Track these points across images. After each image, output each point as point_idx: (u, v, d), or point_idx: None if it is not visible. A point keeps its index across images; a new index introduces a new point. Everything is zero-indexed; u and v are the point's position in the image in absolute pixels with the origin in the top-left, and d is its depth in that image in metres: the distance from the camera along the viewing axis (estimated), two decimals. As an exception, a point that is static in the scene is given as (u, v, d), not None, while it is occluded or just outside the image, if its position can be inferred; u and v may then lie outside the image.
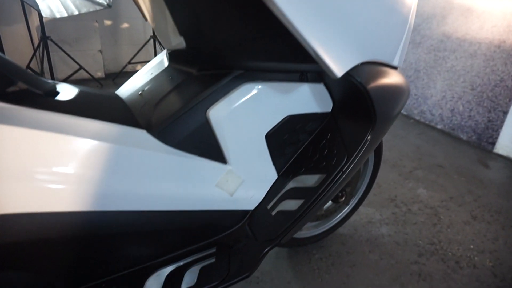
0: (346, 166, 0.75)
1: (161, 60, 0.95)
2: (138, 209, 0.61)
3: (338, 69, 0.61)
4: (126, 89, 0.86)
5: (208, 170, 0.68)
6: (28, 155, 0.51)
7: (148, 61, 3.42)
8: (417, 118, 2.73)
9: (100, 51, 3.16)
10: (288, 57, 0.70)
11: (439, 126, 2.55)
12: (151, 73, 0.90)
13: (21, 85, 0.57)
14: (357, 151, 0.74)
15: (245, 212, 0.76)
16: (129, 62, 3.24)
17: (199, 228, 0.70)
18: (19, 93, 0.56)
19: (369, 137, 0.73)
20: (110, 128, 0.60)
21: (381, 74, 0.75)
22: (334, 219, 1.22)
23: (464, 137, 2.37)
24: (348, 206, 1.23)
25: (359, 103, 0.73)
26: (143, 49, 3.27)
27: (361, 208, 1.48)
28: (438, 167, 1.94)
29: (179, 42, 0.82)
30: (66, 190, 0.54)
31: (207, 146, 0.67)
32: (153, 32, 3.22)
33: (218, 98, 0.67)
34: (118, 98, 0.78)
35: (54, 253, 0.56)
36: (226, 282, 0.69)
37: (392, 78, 0.78)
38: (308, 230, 1.17)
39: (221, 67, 0.71)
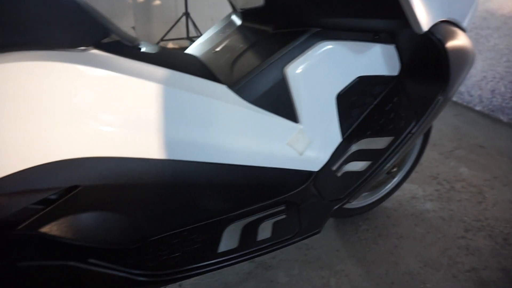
0: (415, 128, 0.75)
1: (230, 21, 0.96)
2: (216, 161, 0.63)
3: (424, 23, 0.61)
4: (198, 49, 0.88)
5: (281, 128, 0.69)
6: (121, 101, 0.53)
7: (180, 39, 3.40)
8: (454, 99, 2.65)
9: (133, 27, 3.20)
10: (365, 13, 0.70)
11: (477, 108, 2.47)
12: (222, 33, 0.91)
13: (114, 37, 0.59)
14: (426, 113, 0.74)
15: (310, 173, 0.78)
16: (162, 39, 3.26)
17: (269, 185, 0.72)
18: (113, 44, 0.58)
19: (440, 98, 0.73)
20: (195, 80, 0.62)
21: (457, 35, 0.73)
22: (381, 192, 1.22)
23: (504, 119, 2.30)
24: (394, 180, 1.23)
25: (433, 63, 0.72)
26: (175, 26, 3.28)
27: (404, 185, 1.47)
28: (479, 147, 1.89)
29: (257, 0, 0.83)
30: (154, 137, 0.56)
31: (282, 104, 0.69)
32: (186, 9, 3.21)
33: (295, 55, 0.68)
34: (193, 55, 0.79)
35: (143, 198, 0.59)
36: (298, 237, 0.71)
37: (465, 40, 0.76)
38: (356, 201, 1.18)
39: (298, 25, 0.71)
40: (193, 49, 0.90)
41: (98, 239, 0.57)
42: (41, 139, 0.48)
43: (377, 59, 0.76)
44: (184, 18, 3.35)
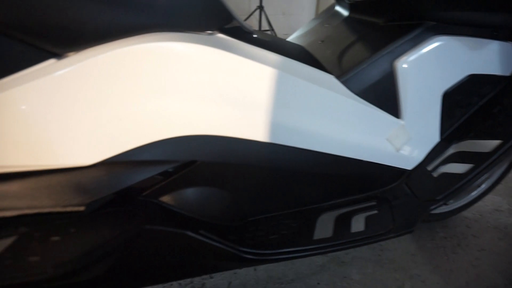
0: None
1: (335, 12, 0.96)
2: (317, 149, 0.64)
3: None
4: (302, 39, 0.88)
5: (383, 122, 0.68)
6: (240, 84, 0.55)
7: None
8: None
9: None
10: (486, 7, 0.66)
11: None
12: (327, 24, 0.92)
13: (235, 23, 0.62)
14: None
15: (402, 171, 0.76)
16: (231, 31, 3.34)
17: (362, 179, 0.72)
18: (234, 29, 0.61)
19: None
20: (305, 68, 0.63)
21: None
22: (464, 200, 1.15)
23: None
24: (480, 188, 1.16)
25: None
26: (248, 20, 3.34)
27: (487, 196, 1.37)
28: None
29: None
30: (264, 120, 0.58)
31: (386, 98, 0.67)
32: (260, 2, 3.25)
33: (406, 49, 0.66)
34: (300, 45, 0.80)
35: (247, 179, 0.62)
36: (391, 234, 0.70)
37: None
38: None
39: (411, 18, 0.69)
40: (297, 39, 0.91)
41: (205, 213, 0.60)
42: (169, 115, 0.52)
43: (491, 57, 0.71)
44: (257, 12, 3.39)
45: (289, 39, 0.94)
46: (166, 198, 0.57)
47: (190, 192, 0.59)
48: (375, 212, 0.71)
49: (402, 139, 0.70)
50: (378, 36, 0.71)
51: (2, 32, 0.42)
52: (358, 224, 0.69)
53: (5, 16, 0.41)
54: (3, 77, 0.43)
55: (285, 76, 0.58)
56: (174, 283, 0.93)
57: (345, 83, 0.65)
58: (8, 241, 0.45)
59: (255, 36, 0.66)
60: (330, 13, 0.96)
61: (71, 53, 0.47)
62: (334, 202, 0.72)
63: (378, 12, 0.78)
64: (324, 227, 0.67)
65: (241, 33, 0.62)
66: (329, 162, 0.66)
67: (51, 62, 0.45)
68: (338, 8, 0.94)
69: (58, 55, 0.46)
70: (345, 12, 0.90)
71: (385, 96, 0.67)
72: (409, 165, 0.75)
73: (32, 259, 0.43)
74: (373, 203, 0.72)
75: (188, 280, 0.94)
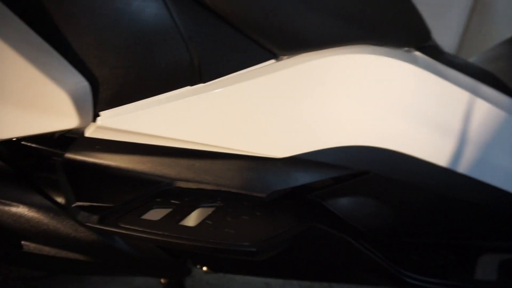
0: None
1: None
2: (494, 184, 0.58)
3: None
4: (492, 64, 0.82)
5: None
6: (432, 105, 0.54)
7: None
8: None
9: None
10: None
11: None
12: None
13: (431, 42, 0.61)
14: None
15: None
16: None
17: None
18: (431, 48, 0.60)
19: None
20: (502, 98, 0.59)
21: None
22: None
23: None
24: None
25: None
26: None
27: None
28: None
29: None
30: (452, 145, 0.55)
31: None
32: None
33: None
34: (491, 72, 0.74)
35: (414, 199, 0.60)
36: None
37: None
38: None
39: None
40: (485, 63, 0.85)
41: (365, 224, 0.61)
42: (359, 123, 0.54)
43: None
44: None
45: (474, 61, 0.87)
46: (332, 202, 0.59)
47: (355, 201, 0.60)
48: None
49: None
50: None
51: (239, 28, 0.48)
52: None
53: (246, 13, 0.47)
54: (232, 72, 0.50)
55: (481, 105, 0.55)
56: (294, 282, 0.96)
57: None
58: (209, 211, 0.52)
59: (450, 58, 0.63)
60: None
61: (285, 56, 0.52)
62: (501, 244, 0.65)
63: None
64: (486, 268, 0.61)
65: (438, 54, 0.60)
66: (503, 200, 0.59)
67: (271, 62, 0.51)
68: None
69: (276, 57, 0.52)
70: None
71: None
72: None
73: (228, 230, 0.49)
74: None
75: (307, 283, 0.96)
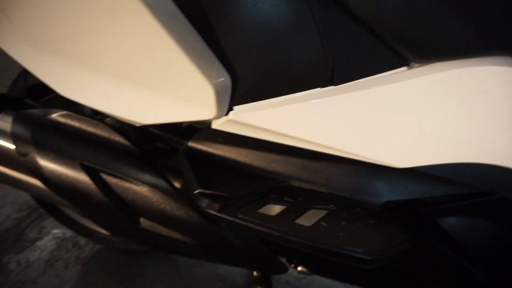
0: None
1: None
2: None
3: None
4: None
5: None
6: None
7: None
8: None
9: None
10: None
11: None
12: None
13: None
14: None
15: None
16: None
17: None
18: None
19: None
20: None
21: None
22: None
23: None
24: None
25: None
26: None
27: None
28: None
29: None
30: None
31: None
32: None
33: None
34: None
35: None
36: None
37: None
38: None
39: None
40: None
41: (477, 246, 0.56)
42: (484, 140, 0.50)
43: None
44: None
45: None
46: (445, 219, 0.56)
47: (471, 221, 0.56)
48: None
49: None
50: None
51: (376, 33, 0.47)
52: None
53: (387, 17, 0.46)
54: (364, 76, 0.49)
55: None
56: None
57: None
58: (322, 212, 0.52)
59: None
60: None
61: (416, 64, 0.50)
62: None
63: None
64: None
65: None
66: None
67: (402, 69, 0.49)
68: None
69: (408, 64, 0.50)
70: None
71: None
72: None
73: (342, 235, 0.48)
74: None
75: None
